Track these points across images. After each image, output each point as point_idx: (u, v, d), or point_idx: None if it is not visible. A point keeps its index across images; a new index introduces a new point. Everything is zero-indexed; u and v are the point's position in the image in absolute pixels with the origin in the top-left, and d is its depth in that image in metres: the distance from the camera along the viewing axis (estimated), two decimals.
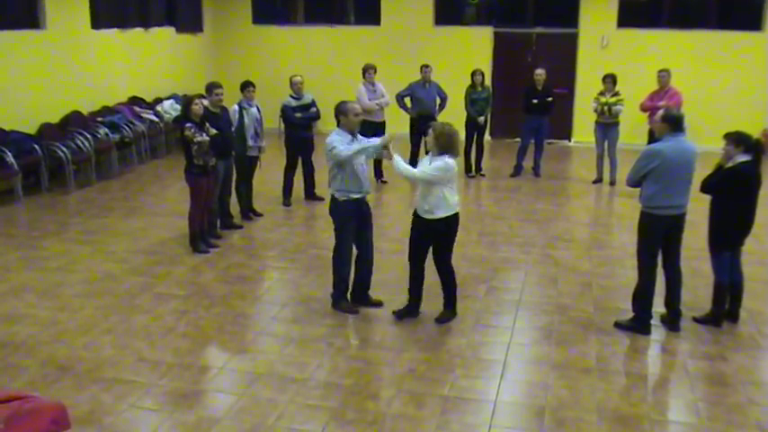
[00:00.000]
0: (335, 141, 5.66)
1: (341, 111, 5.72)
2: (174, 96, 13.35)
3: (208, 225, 7.85)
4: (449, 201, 5.53)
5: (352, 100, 6.45)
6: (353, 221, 5.83)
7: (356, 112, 5.71)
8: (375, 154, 5.90)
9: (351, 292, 6.11)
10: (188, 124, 7.23)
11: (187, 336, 5.64)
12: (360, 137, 5.82)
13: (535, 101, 11.01)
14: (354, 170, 5.73)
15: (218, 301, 6.30)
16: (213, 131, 7.40)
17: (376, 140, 5.79)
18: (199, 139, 7.22)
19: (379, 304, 6.08)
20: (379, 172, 10.85)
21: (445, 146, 5.43)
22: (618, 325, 5.82)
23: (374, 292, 6.27)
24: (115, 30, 12.06)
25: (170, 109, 12.78)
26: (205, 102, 7.71)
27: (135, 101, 12.54)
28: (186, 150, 7.33)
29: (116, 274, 6.93)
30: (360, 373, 5.08)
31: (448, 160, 5.44)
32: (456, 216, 5.65)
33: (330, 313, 6.02)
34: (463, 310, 6.13)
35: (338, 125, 5.77)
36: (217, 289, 6.60)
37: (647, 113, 10.34)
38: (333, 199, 5.82)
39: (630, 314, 5.82)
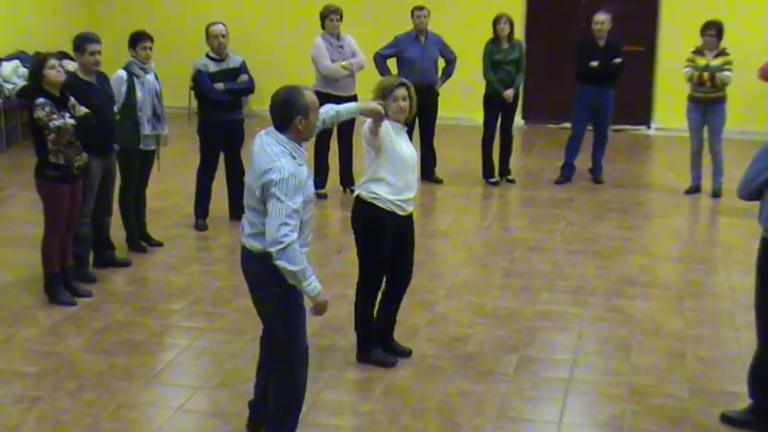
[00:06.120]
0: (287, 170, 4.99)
1: (299, 107, 5.06)
2: (19, 55, 13.30)
3: (75, 260, 7.82)
4: None
5: (304, 82, 6.34)
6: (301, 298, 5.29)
7: (317, 105, 5.24)
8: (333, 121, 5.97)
9: None
10: (40, 99, 7.20)
11: None
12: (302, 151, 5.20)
13: (594, 63, 11.13)
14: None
15: (90, 383, 6.26)
16: (83, 111, 7.38)
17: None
18: (59, 122, 7.19)
19: None
20: (347, 177, 10.88)
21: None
22: (727, 419, 5.83)
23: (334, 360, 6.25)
24: None
25: (13, 75, 12.73)
26: (70, 65, 7.68)
27: None
28: (38, 141, 7.30)
29: None
30: None
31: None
32: None
33: None
34: (481, 394, 6.14)
35: (282, 130, 5.12)
36: (88, 363, 6.56)
37: None
38: (258, 257, 5.15)
39: (746, 401, 5.83)
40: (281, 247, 4.88)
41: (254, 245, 5.12)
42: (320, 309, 5.17)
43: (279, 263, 4.91)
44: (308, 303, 5.16)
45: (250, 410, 5.66)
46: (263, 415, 5.54)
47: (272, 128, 5.13)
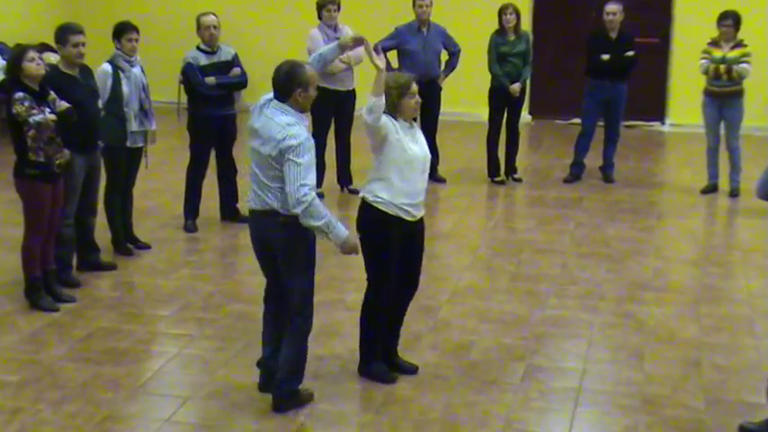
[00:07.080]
0: (303, 137, 5.61)
1: (300, 80, 5.65)
2: None
3: (57, 264, 7.80)
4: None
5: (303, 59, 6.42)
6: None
7: (316, 81, 5.81)
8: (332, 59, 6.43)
9: None
10: (19, 93, 7.19)
11: None
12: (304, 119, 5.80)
13: (606, 57, 11.12)
14: None
15: (73, 393, 6.25)
16: (64, 106, 7.36)
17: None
18: (38, 118, 7.17)
19: None
20: (345, 175, 10.87)
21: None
22: (745, 430, 5.81)
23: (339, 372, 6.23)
24: None
25: None
26: (53, 57, 7.65)
27: None
28: (17, 138, 7.29)
29: None
30: None
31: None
32: None
33: (264, 413, 5.99)
34: (486, 404, 6.13)
35: (283, 100, 5.70)
36: (72, 372, 6.55)
37: None
38: (282, 216, 5.72)
39: (765, 412, 5.81)
40: (304, 206, 5.49)
41: (275, 205, 5.67)
42: (351, 248, 5.86)
43: (304, 221, 5.54)
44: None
45: (262, 369, 6.13)
46: (274, 371, 5.99)
47: (270, 97, 5.72)
